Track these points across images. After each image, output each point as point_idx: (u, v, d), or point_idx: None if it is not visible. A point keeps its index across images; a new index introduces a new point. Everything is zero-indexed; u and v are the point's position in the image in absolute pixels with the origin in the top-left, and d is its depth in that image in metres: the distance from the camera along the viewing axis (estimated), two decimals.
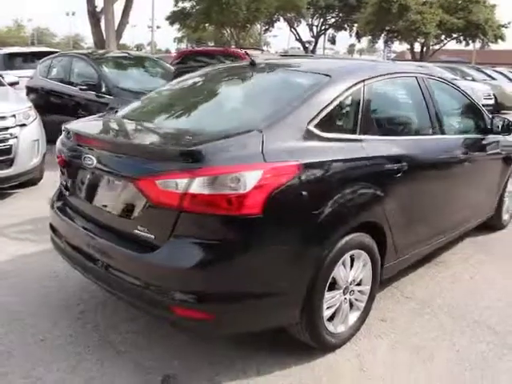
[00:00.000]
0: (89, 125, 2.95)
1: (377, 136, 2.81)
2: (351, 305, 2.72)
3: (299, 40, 46.76)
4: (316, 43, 47.53)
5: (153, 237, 2.21)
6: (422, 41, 31.66)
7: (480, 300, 3.31)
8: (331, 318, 2.59)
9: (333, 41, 51.42)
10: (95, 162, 2.42)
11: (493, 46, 33.96)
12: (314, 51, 45.17)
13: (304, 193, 2.25)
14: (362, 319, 2.80)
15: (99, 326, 2.84)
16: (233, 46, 25.21)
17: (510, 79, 16.77)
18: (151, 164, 2.18)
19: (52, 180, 5.82)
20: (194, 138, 2.36)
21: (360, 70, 2.92)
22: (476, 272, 3.74)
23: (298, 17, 41.62)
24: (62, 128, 2.85)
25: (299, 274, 2.31)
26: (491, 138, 4.00)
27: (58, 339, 2.72)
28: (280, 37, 61.83)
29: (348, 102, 2.68)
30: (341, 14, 43.61)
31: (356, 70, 2.91)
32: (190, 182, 2.05)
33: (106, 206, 2.49)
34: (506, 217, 4.67)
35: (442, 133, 3.41)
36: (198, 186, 2.05)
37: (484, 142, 3.91)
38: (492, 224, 4.51)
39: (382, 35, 33.99)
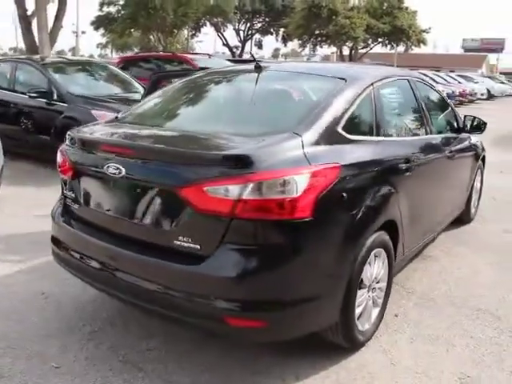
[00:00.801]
0: (105, 132, 2.72)
1: (388, 137, 2.90)
2: (373, 302, 2.77)
3: (226, 45, 46.89)
4: (243, 48, 47.91)
5: (198, 247, 2.11)
6: (351, 44, 33.01)
7: (474, 289, 3.49)
8: (359, 317, 2.62)
9: (259, 45, 52.12)
10: (124, 171, 2.26)
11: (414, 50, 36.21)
12: (241, 55, 45.49)
13: (344, 194, 2.28)
14: (381, 315, 2.87)
15: (115, 347, 2.68)
16: (161, 51, 24.69)
17: (436, 82, 17.92)
18: (196, 170, 2.08)
19: (11, 194, 5.43)
20: (235, 142, 2.27)
21: (368, 74, 3.00)
22: (462, 264, 3.95)
23: (224, 22, 41.71)
24: (67, 135, 2.66)
25: (341, 273, 2.33)
26: (464, 135, 4.26)
27: (73, 364, 2.53)
28: (206, 42, 61.88)
29: (364, 104, 2.73)
30: (267, 19, 44.31)
31: (365, 74, 2.99)
32: (242, 188, 1.99)
33: (134, 217, 2.34)
34: (473, 210, 4.97)
35: (432, 132, 3.58)
36: (250, 191, 2.00)
37: (461, 140, 4.14)
38: (462, 218, 4.77)
39: (311, 39, 34.99)
